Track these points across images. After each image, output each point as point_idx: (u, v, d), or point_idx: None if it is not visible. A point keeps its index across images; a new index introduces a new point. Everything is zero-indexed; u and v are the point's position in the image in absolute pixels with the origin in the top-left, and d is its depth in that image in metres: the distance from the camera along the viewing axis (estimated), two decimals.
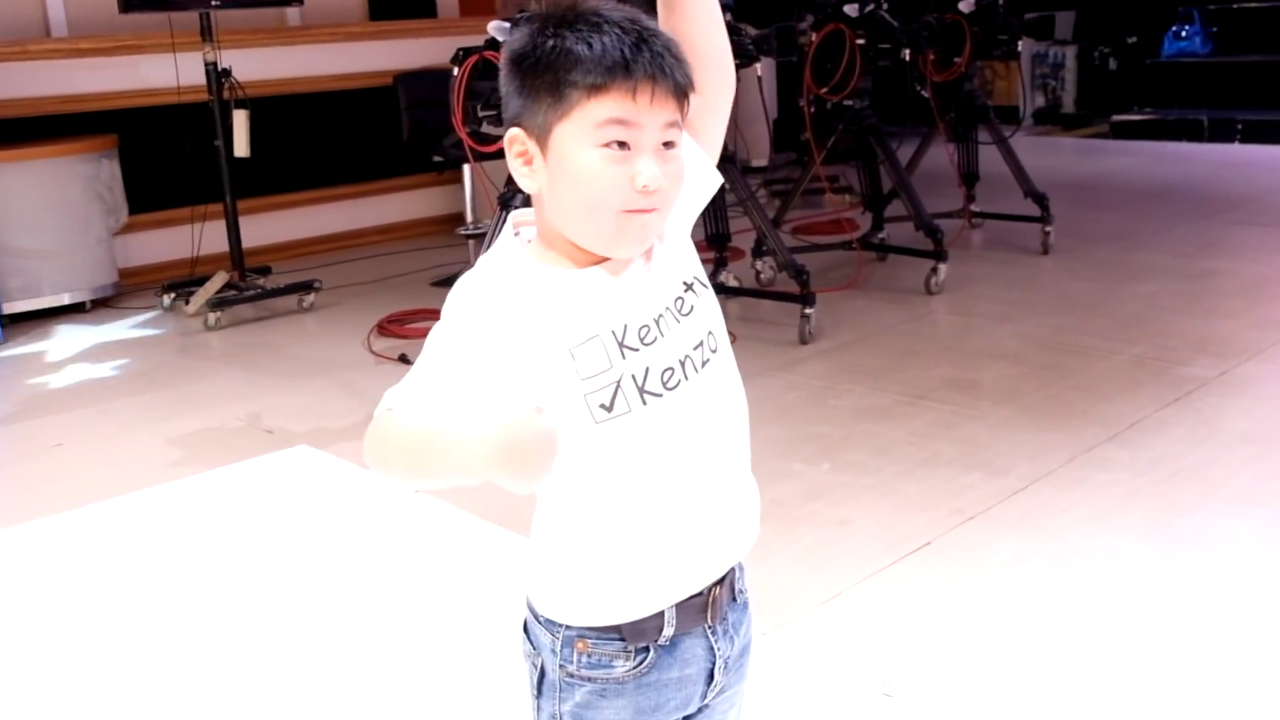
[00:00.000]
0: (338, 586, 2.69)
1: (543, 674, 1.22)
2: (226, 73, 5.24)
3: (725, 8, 4.61)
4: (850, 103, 5.17)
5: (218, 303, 5.20)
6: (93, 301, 5.62)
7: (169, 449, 3.67)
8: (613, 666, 1.18)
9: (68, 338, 5.20)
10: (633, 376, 1.12)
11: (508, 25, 3.77)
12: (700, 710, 1.26)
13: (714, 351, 1.17)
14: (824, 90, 5.13)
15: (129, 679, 2.34)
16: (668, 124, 1.09)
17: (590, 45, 1.06)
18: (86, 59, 5.82)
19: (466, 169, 5.91)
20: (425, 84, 6.00)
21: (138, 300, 5.71)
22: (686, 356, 1.14)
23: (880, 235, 5.69)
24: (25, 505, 3.28)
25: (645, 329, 1.13)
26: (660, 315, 1.14)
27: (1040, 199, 5.65)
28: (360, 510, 3.12)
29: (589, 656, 1.18)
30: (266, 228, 6.25)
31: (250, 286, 5.41)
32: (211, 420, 3.92)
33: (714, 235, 4.86)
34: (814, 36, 5.14)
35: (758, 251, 5.17)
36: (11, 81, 5.60)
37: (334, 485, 3.30)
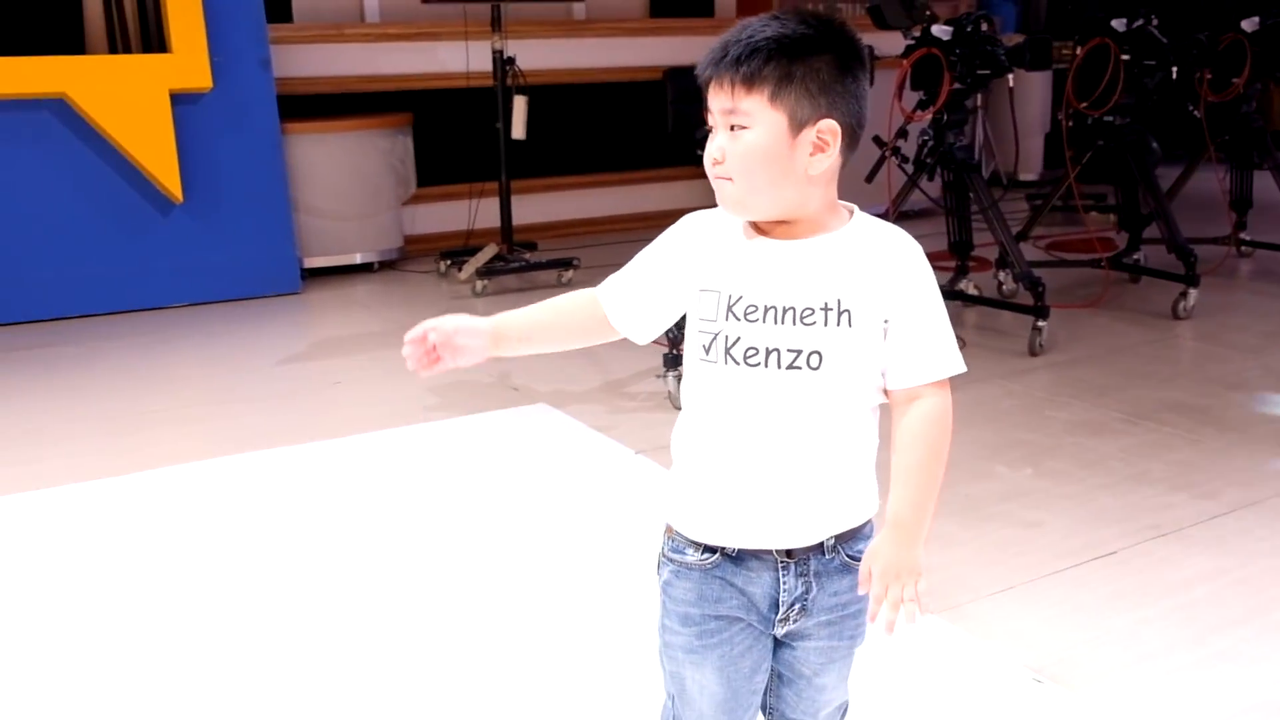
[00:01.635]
0: (554, 530, 2.99)
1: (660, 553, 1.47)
2: (511, 61, 5.69)
3: (985, 18, 4.63)
4: (1111, 119, 5.10)
5: (486, 272, 5.68)
6: (380, 263, 6.23)
7: (427, 395, 4.11)
8: (685, 553, 1.41)
9: (355, 292, 5.81)
10: (725, 336, 1.33)
11: None
12: (786, 646, 1.44)
13: (812, 369, 1.31)
14: (1084, 105, 5.08)
15: (368, 600, 2.72)
16: (725, 110, 1.31)
17: (713, 48, 1.32)
18: (391, 43, 6.44)
19: None
20: (692, 80, 6.28)
21: (418, 265, 6.28)
22: (775, 350, 1.31)
23: (1135, 256, 5.57)
24: (304, 429, 3.77)
25: (753, 308, 1.32)
26: (774, 307, 1.31)
27: None
28: (585, 465, 3.43)
29: (672, 541, 1.43)
30: (535, 207, 6.72)
31: (516, 259, 5.86)
32: (466, 375, 4.33)
33: (956, 243, 4.92)
34: (1079, 50, 5.09)
35: (1001, 263, 5.19)
36: (326, 61, 6.27)
37: (565, 441, 3.62)
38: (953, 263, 5.03)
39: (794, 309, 1.31)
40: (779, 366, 1.31)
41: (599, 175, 7.07)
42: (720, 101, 1.31)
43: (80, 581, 2.75)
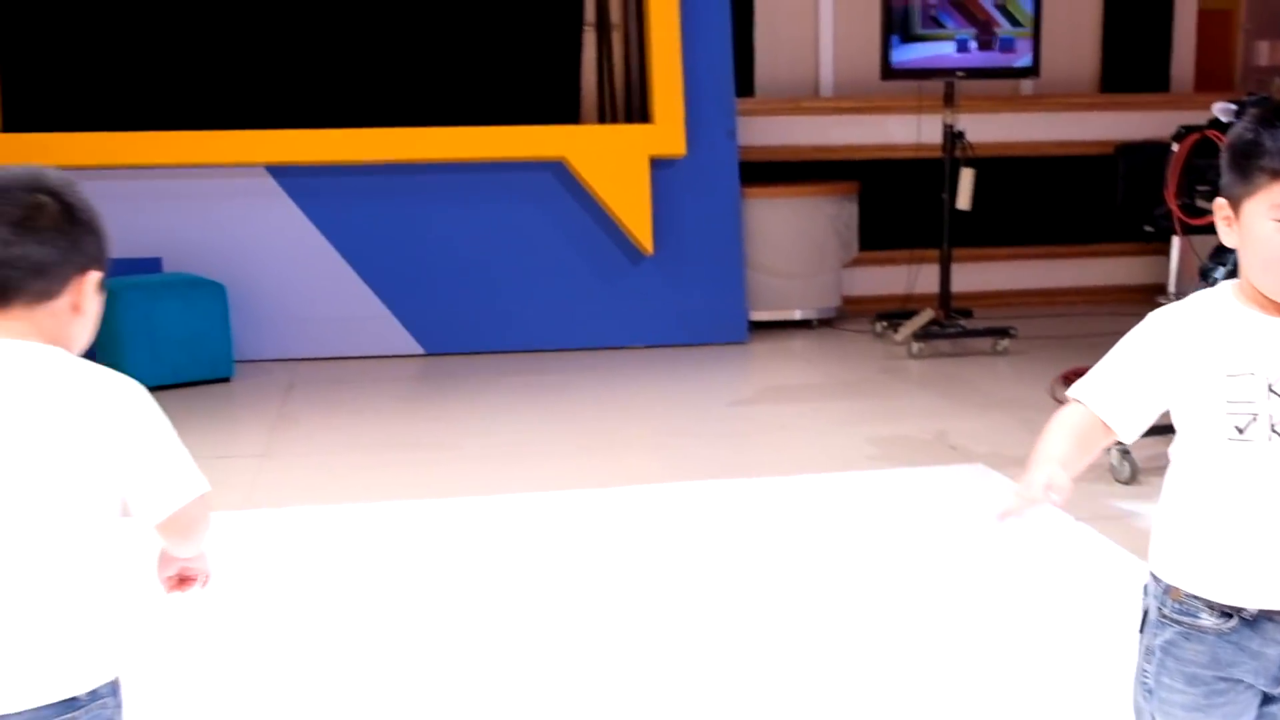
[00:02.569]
0: (982, 584, 3.17)
1: (1145, 614, 1.57)
2: (961, 134, 5.92)
3: None
4: None
5: (922, 335, 5.91)
6: (819, 320, 6.62)
7: (867, 445, 4.40)
8: (1199, 617, 1.49)
9: (794, 345, 6.23)
10: (1270, 415, 1.41)
11: (1234, 107, 3.98)
12: (1274, 700, 1.50)
13: None
14: None
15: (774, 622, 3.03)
16: None
17: (1276, 139, 1.37)
18: (844, 115, 6.86)
19: (1175, 240, 6.05)
20: (1145, 155, 6.21)
21: (854, 324, 6.62)
22: None
23: None
24: (755, 466, 4.17)
25: None
26: None
27: None
28: (1021, 529, 3.56)
29: (1180, 605, 1.50)
30: (974, 275, 6.87)
31: (952, 325, 6.04)
32: (904, 430, 4.59)
33: None
34: None
35: None
36: (784, 132, 6.78)
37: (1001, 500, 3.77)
38: None
39: None
40: None
41: (1039, 246, 7.11)
42: None
43: (549, 581, 3.26)
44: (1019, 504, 1.53)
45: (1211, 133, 4.00)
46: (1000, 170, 6.76)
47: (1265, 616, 1.46)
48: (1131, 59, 7.49)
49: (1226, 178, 1.46)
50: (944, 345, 6.03)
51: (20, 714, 1.33)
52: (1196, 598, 1.49)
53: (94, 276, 1.47)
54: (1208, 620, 1.49)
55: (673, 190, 6.08)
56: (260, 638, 2.86)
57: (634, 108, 6.39)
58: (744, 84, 6.78)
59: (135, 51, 5.81)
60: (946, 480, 4.00)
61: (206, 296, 5.45)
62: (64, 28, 5.77)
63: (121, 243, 6.53)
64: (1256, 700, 1.51)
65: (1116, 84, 7.48)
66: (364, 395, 5.27)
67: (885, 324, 6.31)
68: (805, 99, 6.98)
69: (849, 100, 6.92)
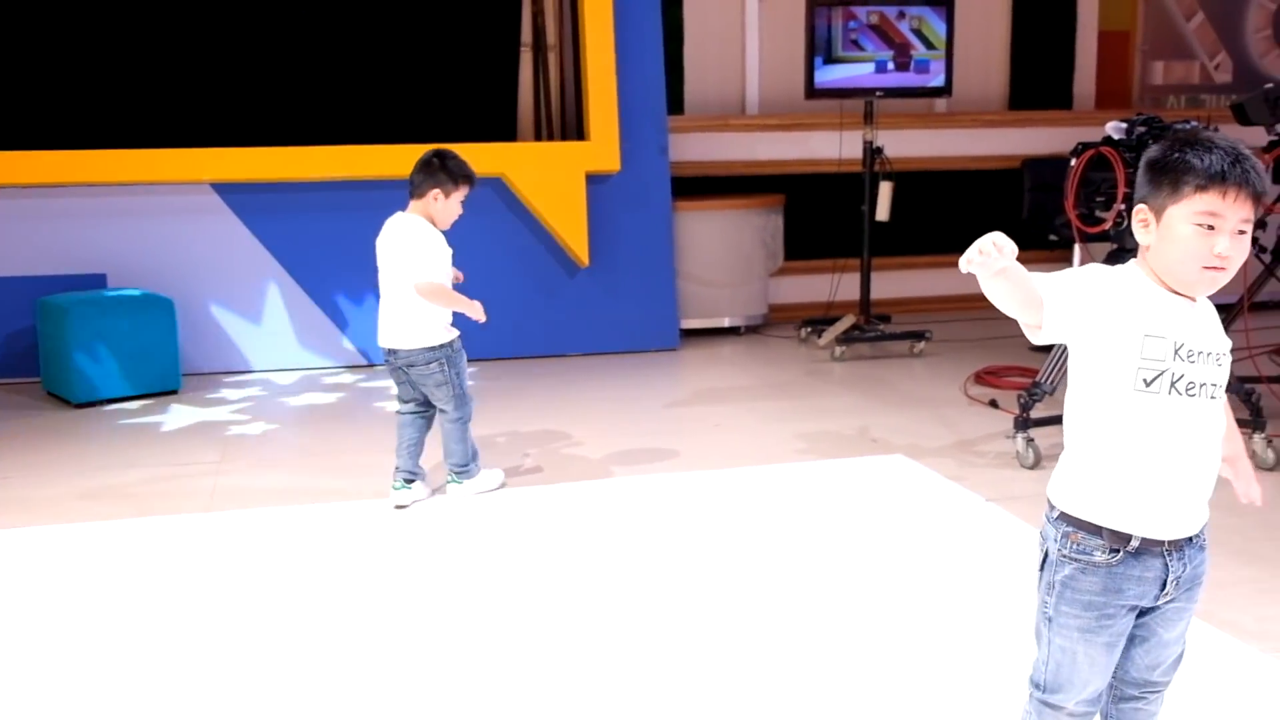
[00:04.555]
0: (904, 565, 3.47)
1: (1045, 555, 1.88)
2: (880, 150, 6.27)
3: None
4: None
5: (844, 339, 6.24)
6: (746, 327, 6.93)
7: (795, 441, 4.69)
8: (1092, 555, 1.81)
9: (724, 352, 6.52)
10: (1172, 374, 1.75)
11: (1124, 125, 4.34)
12: (1149, 612, 1.85)
13: (1212, 399, 1.79)
14: None
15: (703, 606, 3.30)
16: (1244, 219, 1.73)
17: (1205, 158, 1.72)
18: (770, 132, 7.19)
19: (1076, 247, 6.45)
20: (1049, 169, 6.64)
21: (780, 331, 6.93)
22: (1203, 385, 1.77)
23: None
24: (691, 461, 4.44)
25: (1193, 352, 1.76)
26: (1205, 351, 1.77)
27: None
28: (939, 510, 3.88)
29: (1077, 545, 1.82)
30: (892, 283, 7.23)
31: (872, 330, 6.38)
32: (829, 426, 4.89)
33: None
34: None
35: None
36: (711, 147, 7.09)
37: (920, 488, 4.09)
38: None
39: (1213, 352, 1.78)
40: (1209, 398, 1.78)
41: (952, 255, 7.45)
42: (1237, 210, 1.72)
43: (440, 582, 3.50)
44: (974, 254, 1.72)
45: (1105, 149, 4.33)
46: (916, 183, 7.13)
47: (1146, 547, 1.79)
48: (1037, 78, 7.94)
49: (1147, 189, 1.79)
50: (865, 348, 6.36)
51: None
52: (1093, 534, 1.80)
53: None
54: (1100, 556, 1.81)
55: (608, 205, 6.35)
56: (226, 638, 3.06)
57: (570, 126, 6.66)
58: (675, 102, 7.07)
59: (80, 70, 5.94)
60: (869, 470, 4.30)
61: (155, 311, 5.59)
62: (6, 47, 5.88)
63: (67, 259, 6.65)
64: (1134, 615, 1.85)
65: (1023, 102, 7.92)
66: (311, 406, 5.46)
67: (810, 329, 6.63)
68: (733, 116, 7.30)
69: (774, 118, 7.25)
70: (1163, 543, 1.79)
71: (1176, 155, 1.74)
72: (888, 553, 3.48)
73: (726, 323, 6.91)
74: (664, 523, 3.78)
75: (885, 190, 6.27)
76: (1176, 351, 1.75)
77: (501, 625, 3.02)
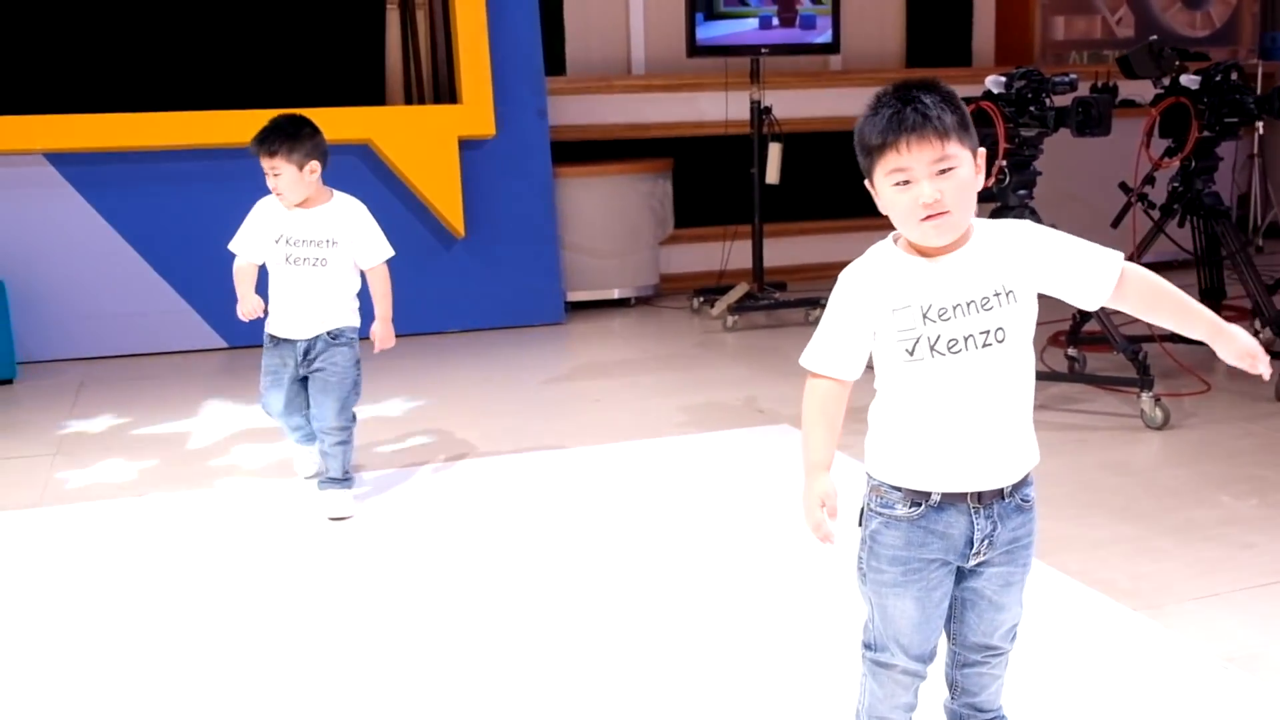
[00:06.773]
0: (774, 538, 3.19)
1: (861, 511, 1.83)
2: (768, 110, 5.98)
3: (1234, 68, 4.62)
4: None
5: (737, 309, 5.95)
6: (636, 298, 6.61)
7: (679, 413, 4.39)
8: (894, 509, 1.76)
9: (613, 324, 6.20)
10: (928, 338, 1.68)
11: (1004, 80, 4.14)
12: (971, 575, 1.79)
13: (1000, 342, 1.68)
14: None
15: (581, 585, 2.99)
16: (934, 160, 1.62)
17: (873, 120, 1.66)
18: (655, 94, 6.86)
19: None
20: None
21: (672, 301, 6.63)
22: (970, 336, 1.68)
23: None
24: (569, 437, 4.12)
25: (944, 310, 1.68)
26: (959, 304, 1.67)
27: None
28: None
29: (881, 499, 1.77)
30: (786, 249, 6.96)
31: (766, 298, 6.11)
32: (716, 397, 4.60)
33: (1206, 290, 4.84)
34: None
35: (1256, 311, 5.04)
36: (595, 110, 6.74)
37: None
38: None
39: (976, 300, 1.68)
40: (977, 347, 1.69)
41: (847, 220, 7.23)
42: (921, 156, 1.63)
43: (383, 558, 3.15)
44: (815, 529, 1.77)
45: (985, 103, 4.11)
46: (810, 145, 6.86)
47: (948, 501, 1.74)
48: (935, 34, 7.72)
49: (860, 160, 1.74)
50: (759, 318, 6.08)
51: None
52: (894, 489, 1.76)
53: None
54: (901, 510, 1.76)
55: (484, 171, 5.98)
56: (80, 633, 2.68)
57: (442, 88, 6.27)
58: (555, 63, 6.72)
59: None
60: (753, 441, 4.02)
61: None
62: None
63: None
64: (951, 575, 1.79)
65: (921, 59, 7.70)
66: (165, 391, 5.02)
67: (702, 299, 6.34)
68: (616, 77, 6.97)
69: (659, 78, 6.93)
70: (966, 496, 1.73)
71: (860, 123, 1.70)
72: (765, 521, 3.20)
73: (616, 294, 6.59)
74: (532, 502, 3.46)
75: (775, 152, 5.99)
76: (925, 315, 1.69)
77: (379, 604, 2.68)
